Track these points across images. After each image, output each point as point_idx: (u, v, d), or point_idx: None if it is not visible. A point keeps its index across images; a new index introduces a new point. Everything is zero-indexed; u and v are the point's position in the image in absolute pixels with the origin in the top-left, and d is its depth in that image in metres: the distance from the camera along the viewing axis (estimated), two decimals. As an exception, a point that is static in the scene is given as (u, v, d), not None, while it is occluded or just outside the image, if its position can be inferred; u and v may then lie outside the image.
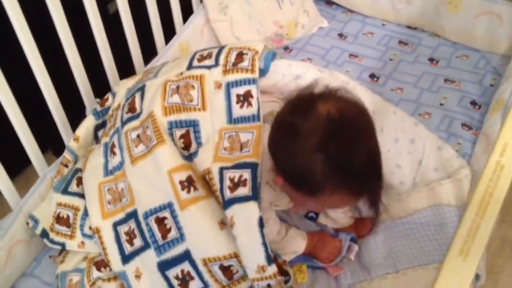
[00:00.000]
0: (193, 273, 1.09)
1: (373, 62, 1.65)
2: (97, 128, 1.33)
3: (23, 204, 1.22)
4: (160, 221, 1.10)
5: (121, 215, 1.16)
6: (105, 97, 1.33)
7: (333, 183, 0.94)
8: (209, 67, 1.18)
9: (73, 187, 1.23)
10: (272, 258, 1.03)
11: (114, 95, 1.32)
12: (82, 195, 1.21)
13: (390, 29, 1.75)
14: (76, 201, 1.21)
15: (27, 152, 1.24)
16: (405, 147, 1.32)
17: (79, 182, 1.23)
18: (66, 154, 1.29)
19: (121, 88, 1.31)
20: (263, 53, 1.19)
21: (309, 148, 0.92)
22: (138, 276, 1.13)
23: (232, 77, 1.15)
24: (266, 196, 1.07)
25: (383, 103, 1.38)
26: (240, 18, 1.63)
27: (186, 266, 1.09)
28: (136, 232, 1.13)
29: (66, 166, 1.28)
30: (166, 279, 1.10)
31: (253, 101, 1.13)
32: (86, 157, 1.26)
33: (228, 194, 1.06)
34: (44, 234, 1.21)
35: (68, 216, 1.20)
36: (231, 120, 1.13)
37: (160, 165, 1.10)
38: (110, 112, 1.29)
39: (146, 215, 1.11)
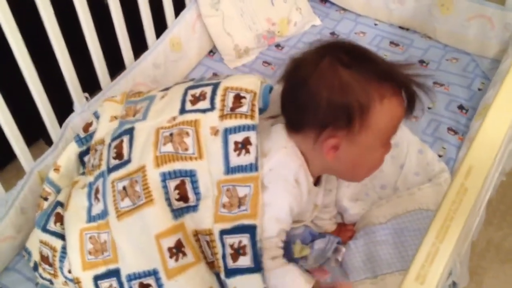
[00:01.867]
0: None
1: (363, 62, 1.65)
2: (82, 154, 1.28)
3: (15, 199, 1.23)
4: (145, 287, 1.06)
5: (102, 269, 1.10)
6: (89, 121, 1.27)
7: (373, 86, 0.98)
8: (204, 111, 1.10)
9: (51, 225, 1.17)
10: None
11: (97, 117, 1.26)
12: (59, 235, 1.16)
13: (382, 29, 1.75)
14: (53, 241, 1.15)
15: (13, 147, 1.24)
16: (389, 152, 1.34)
17: (58, 219, 1.17)
18: (45, 187, 1.24)
19: (104, 111, 1.26)
20: (260, 91, 1.12)
21: (330, 71, 0.99)
22: None
23: (230, 123, 1.08)
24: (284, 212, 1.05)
25: None
26: (232, 14, 1.63)
27: None
28: None
29: (46, 199, 1.23)
30: None
31: (252, 148, 1.05)
32: (69, 192, 1.20)
33: (230, 263, 1.03)
34: (36, 267, 1.19)
35: (48, 256, 1.16)
36: (228, 169, 1.06)
37: (148, 227, 1.05)
38: (93, 141, 1.23)
39: (130, 278, 1.07)
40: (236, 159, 1.05)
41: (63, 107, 1.37)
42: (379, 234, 1.20)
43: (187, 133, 1.08)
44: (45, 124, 1.32)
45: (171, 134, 1.09)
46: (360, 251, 1.19)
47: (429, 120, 1.47)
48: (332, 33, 1.74)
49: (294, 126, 1.07)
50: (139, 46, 1.53)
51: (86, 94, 1.38)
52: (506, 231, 1.81)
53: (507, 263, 1.75)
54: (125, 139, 1.14)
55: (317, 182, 1.13)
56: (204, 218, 1.05)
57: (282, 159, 1.05)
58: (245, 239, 1.01)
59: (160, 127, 1.11)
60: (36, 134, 1.61)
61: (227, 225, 1.03)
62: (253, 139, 1.05)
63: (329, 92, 0.99)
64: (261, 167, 1.04)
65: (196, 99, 1.12)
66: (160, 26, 1.56)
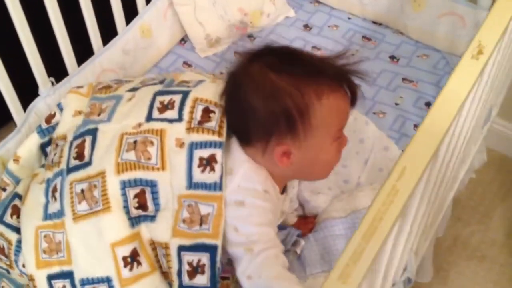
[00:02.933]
0: None
1: (334, 55, 1.65)
2: (44, 145, 1.25)
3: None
4: None
5: (56, 269, 1.09)
6: (52, 112, 1.25)
7: (307, 86, 0.96)
8: (171, 121, 1.07)
9: (7, 218, 1.16)
10: None
11: (61, 110, 1.24)
12: (15, 228, 1.14)
13: (356, 23, 1.75)
14: (9, 234, 1.14)
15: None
16: (354, 147, 1.34)
17: (15, 211, 1.16)
18: (4, 177, 1.22)
19: (68, 104, 1.23)
20: None
21: (261, 78, 0.98)
22: None
23: (197, 137, 1.05)
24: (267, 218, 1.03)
25: None
26: (204, 3, 1.62)
27: None
28: None
29: (4, 189, 1.22)
30: None
31: (217, 167, 1.03)
32: (27, 185, 1.18)
33: (186, 280, 1.02)
34: None
35: (3, 247, 1.15)
36: (191, 185, 1.04)
37: (103, 235, 1.04)
38: (55, 135, 1.21)
39: (83, 283, 1.06)
40: (199, 175, 1.03)
41: (29, 91, 1.35)
42: (338, 228, 1.21)
43: (152, 143, 1.06)
44: (9, 108, 1.30)
45: (135, 142, 1.07)
46: (319, 244, 1.20)
47: (396, 116, 1.48)
48: (306, 26, 1.74)
49: (243, 140, 1.05)
50: (109, 31, 1.51)
51: (52, 79, 1.36)
52: (474, 227, 1.84)
53: (474, 259, 1.77)
54: (88, 139, 1.12)
55: (283, 190, 1.13)
56: (161, 230, 1.04)
57: (247, 174, 1.03)
58: (204, 258, 1.00)
59: (124, 132, 1.09)
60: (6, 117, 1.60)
61: (186, 242, 1.02)
62: (218, 157, 1.03)
63: (264, 100, 0.97)
64: (225, 186, 1.02)
65: (164, 107, 1.10)
66: (131, 12, 1.54)
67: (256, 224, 1.00)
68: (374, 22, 1.75)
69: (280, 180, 1.08)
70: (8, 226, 1.15)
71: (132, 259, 1.04)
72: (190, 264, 1.01)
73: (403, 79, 1.57)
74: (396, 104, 1.51)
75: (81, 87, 1.28)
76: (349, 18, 1.76)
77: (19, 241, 1.13)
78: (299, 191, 1.28)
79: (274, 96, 0.97)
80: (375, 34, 1.71)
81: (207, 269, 1.01)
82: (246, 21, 1.68)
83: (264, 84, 0.97)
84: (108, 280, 1.04)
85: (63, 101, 1.25)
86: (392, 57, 1.63)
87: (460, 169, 1.48)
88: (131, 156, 1.06)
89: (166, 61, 1.64)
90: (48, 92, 1.36)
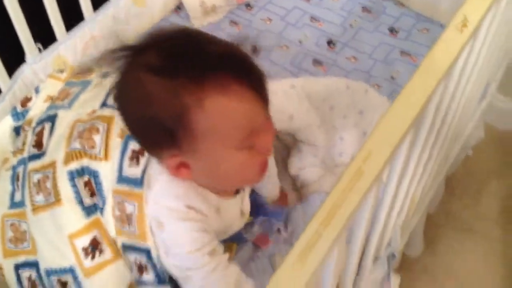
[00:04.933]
0: None
1: (333, 27, 1.61)
2: (18, 129, 1.22)
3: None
4: (63, 285, 1.02)
5: (22, 258, 1.07)
6: (28, 95, 1.22)
7: (187, 90, 0.80)
8: None
9: None
10: None
11: (37, 92, 1.21)
12: None
13: (356, -6, 1.70)
14: None
15: None
16: (352, 120, 1.31)
17: None
18: None
19: (44, 89, 1.21)
20: None
21: (135, 83, 0.83)
22: None
23: None
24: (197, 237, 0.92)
25: (337, 81, 1.36)
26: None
27: None
28: (38, 284, 1.05)
29: None
30: None
31: (142, 160, 0.95)
32: None
33: (137, 276, 1.00)
34: None
35: None
36: (120, 178, 0.97)
37: (60, 227, 1.01)
38: (24, 120, 1.19)
39: (48, 273, 1.03)
40: (127, 169, 0.97)
41: (16, 58, 1.32)
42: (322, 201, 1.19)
43: (97, 130, 1.02)
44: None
45: (84, 129, 1.03)
46: (308, 217, 1.17)
47: (391, 91, 1.44)
48: (305, -5, 1.69)
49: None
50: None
51: (39, 45, 1.33)
52: (466, 201, 1.83)
53: (464, 233, 1.77)
54: (47, 126, 1.09)
55: (237, 190, 1.02)
56: (109, 225, 1.00)
57: (163, 188, 0.92)
58: (143, 259, 0.97)
59: (78, 119, 1.05)
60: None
61: (126, 241, 0.98)
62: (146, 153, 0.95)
63: (138, 110, 0.84)
64: (148, 185, 0.94)
65: None
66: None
67: (182, 253, 0.91)
68: (375, -7, 1.70)
69: (213, 186, 0.95)
70: None
71: (93, 248, 1.00)
72: (135, 262, 0.99)
73: (401, 53, 1.53)
74: (392, 78, 1.47)
75: (62, 71, 1.25)
76: (350, -12, 1.71)
77: None
78: (289, 169, 1.26)
79: (146, 105, 0.82)
80: (376, 5, 1.66)
81: (149, 268, 0.97)
82: (243, -11, 1.64)
83: (141, 93, 0.82)
84: (71, 270, 1.01)
85: (41, 85, 1.23)
86: (391, 30, 1.59)
87: (454, 144, 1.46)
88: (76, 144, 1.02)
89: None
90: (34, 59, 1.33)
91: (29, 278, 1.06)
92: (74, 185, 1.01)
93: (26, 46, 1.32)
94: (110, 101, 1.04)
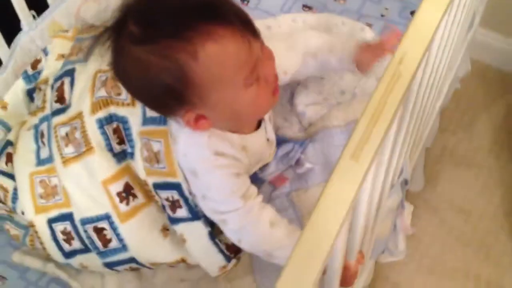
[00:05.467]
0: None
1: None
2: (30, 91, 1.24)
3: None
4: (99, 231, 1.06)
5: (55, 212, 1.10)
6: (38, 57, 1.24)
7: (175, 48, 0.82)
8: None
9: (2, 165, 1.16)
10: (230, 255, 1.06)
11: (46, 54, 1.22)
12: (11, 176, 1.15)
13: None
14: (5, 182, 1.15)
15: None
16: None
17: (9, 159, 1.16)
18: None
19: (54, 48, 1.22)
20: None
21: (127, 56, 0.86)
22: (85, 267, 1.13)
23: None
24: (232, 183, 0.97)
25: (332, 18, 1.40)
26: None
27: (135, 265, 1.10)
28: (74, 234, 1.09)
29: None
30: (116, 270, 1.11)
31: None
32: (17, 132, 1.18)
33: (170, 214, 1.04)
34: None
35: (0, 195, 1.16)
36: (144, 120, 1.02)
37: (94, 174, 1.04)
38: (38, 80, 1.20)
39: (83, 222, 1.07)
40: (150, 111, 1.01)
41: (11, 28, 1.33)
42: (338, 138, 1.20)
43: None
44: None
45: (106, 78, 1.05)
46: (318, 154, 1.20)
47: (382, 28, 1.48)
48: None
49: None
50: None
51: (33, 12, 1.34)
52: (460, 135, 1.89)
53: (461, 166, 1.83)
54: (66, 81, 1.12)
55: (259, 123, 1.07)
56: (139, 168, 1.04)
57: (189, 140, 0.97)
58: (175, 195, 1.01)
59: (98, 70, 1.08)
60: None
61: (157, 179, 1.02)
62: None
63: (143, 83, 0.88)
64: (174, 141, 0.98)
65: None
66: None
67: (216, 198, 0.97)
68: None
69: (232, 126, 0.99)
70: (4, 174, 1.16)
71: (127, 193, 1.04)
72: (167, 199, 1.03)
73: (386, -8, 1.56)
74: (382, 15, 1.51)
75: (67, 31, 1.27)
76: None
77: (15, 189, 1.14)
78: (294, 105, 1.28)
79: (148, 76, 0.86)
80: None
81: (182, 203, 1.02)
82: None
83: (135, 66, 0.86)
84: (107, 217, 1.05)
85: (48, 46, 1.25)
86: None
87: (447, 77, 1.51)
88: (102, 92, 1.05)
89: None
90: (30, 26, 1.34)
91: (64, 231, 1.09)
92: (103, 133, 1.05)
93: (21, 15, 1.32)
94: None
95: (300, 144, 1.21)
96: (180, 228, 1.05)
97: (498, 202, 1.76)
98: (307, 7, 1.54)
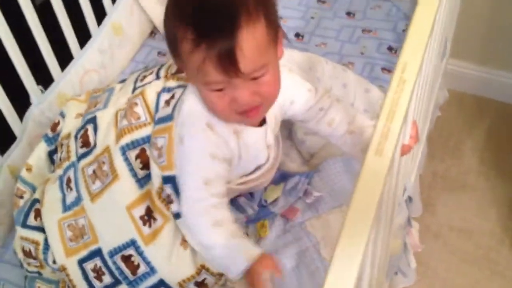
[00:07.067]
0: None
1: (296, 22, 1.75)
2: (52, 153, 1.31)
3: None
4: (127, 259, 1.11)
5: (84, 252, 1.14)
6: (56, 121, 1.31)
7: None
8: (150, 82, 1.18)
9: (31, 220, 1.20)
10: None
11: (63, 116, 1.30)
12: (41, 229, 1.19)
13: (308, -11, 1.84)
14: (35, 235, 1.19)
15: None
16: (338, 92, 1.42)
17: (37, 214, 1.21)
18: (19, 186, 1.27)
19: (69, 110, 1.30)
20: None
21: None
22: None
23: (171, 83, 1.14)
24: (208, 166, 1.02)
25: (316, 57, 1.48)
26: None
27: None
28: (104, 269, 1.13)
29: (21, 197, 1.26)
30: None
31: (172, 102, 1.10)
32: (43, 189, 1.23)
33: (170, 209, 1.11)
34: (21, 264, 1.22)
35: (30, 250, 1.19)
36: (155, 122, 1.12)
37: (117, 202, 1.11)
38: (59, 139, 1.27)
39: (111, 254, 1.12)
40: (161, 112, 1.11)
41: (21, 103, 1.40)
42: (339, 166, 1.27)
43: (136, 104, 1.15)
44: (7, 120, 1.35)
45: (125, 111, 1.16)
46: (324, 183, 1.26)
47: (363, 64, 1.59)
48: None
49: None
50: (83, 35, 1.56)
51: (41, 87, 1.42)
52: (449, 162, 1.96)
53: (454, 191, 1.89)
54: (89, 127, 1.20)
55: (263, 121, 1.10)
56: (156, 174, 1.10)
57: (190, 107, 1.03)
58: (168, 189, 1.08)
59: (118, 109, 1.18)
60: None
61: (166, 173, 1.09)
62: (177, 95, 1.10)
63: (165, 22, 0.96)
64: (178, 112, 1.06)
65: (144, 77, 1.21)
66: (101, 14, 1.61)
67: (188, 170, 1.01)
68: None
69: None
70: (34, 228, 1.20)
71: (148, 216, 1.11)
72: (167, 195, 1.10)
73: (363, 30, 1.68)
74: (362, 53, 1.62)
75: (79, 95, 1.37)
76: (301, -14, 1.84)
77: (46, 239, 1.18)
78: (293, 133, 1.35)
79: (166, 21, 0.95)
80: (328, -5, 1.81)
81: (173, 198, 1.08)
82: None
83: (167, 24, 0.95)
84: (133, 242, 1.11)
85: (64, 109, 1.32)
86: (348, 13, 1.75)
87: (431, 102, 1.60)
88: (123, 123, 1.14)
89: (141, 54, 1.71)
90: (39, 100, 1.41)
91: (94, 268, 1.13)
92: (126, 159, 1.12)
93: (30, 89, 1.40)
94: (138, 84, 1.19)
95: (306, 175, 1.28)
96: (179, 223, 1.10)
97: (495, 219, 1.82)
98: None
